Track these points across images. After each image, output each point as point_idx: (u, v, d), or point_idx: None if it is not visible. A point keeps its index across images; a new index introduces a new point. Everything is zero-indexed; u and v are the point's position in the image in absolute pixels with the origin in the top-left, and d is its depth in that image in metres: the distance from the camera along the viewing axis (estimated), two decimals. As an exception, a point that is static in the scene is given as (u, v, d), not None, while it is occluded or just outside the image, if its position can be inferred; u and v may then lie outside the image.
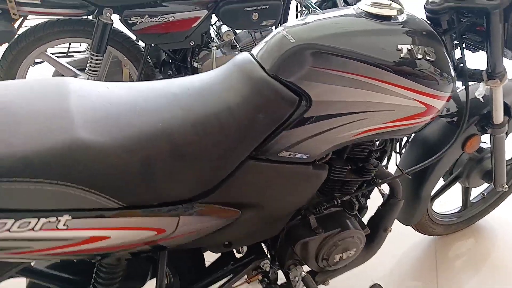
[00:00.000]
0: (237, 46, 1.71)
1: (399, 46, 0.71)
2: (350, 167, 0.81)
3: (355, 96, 0.69)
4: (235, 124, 0.65)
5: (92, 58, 1.50)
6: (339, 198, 0.84)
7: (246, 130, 0.66)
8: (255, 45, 1.74)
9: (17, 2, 1.28)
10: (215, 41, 1.69)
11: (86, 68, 1.53)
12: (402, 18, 0.75)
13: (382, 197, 0.94)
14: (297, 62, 0.68)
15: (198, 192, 0.65)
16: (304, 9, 1.78)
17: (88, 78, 1.55)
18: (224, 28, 1.68)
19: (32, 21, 1.48)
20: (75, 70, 1.61)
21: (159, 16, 1.48)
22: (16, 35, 1.43)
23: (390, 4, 0.75)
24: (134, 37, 1.60)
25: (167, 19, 1.50)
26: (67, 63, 1.63)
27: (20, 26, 1.47)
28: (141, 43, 1.62)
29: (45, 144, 0.53)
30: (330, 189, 0.83)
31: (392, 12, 0.74)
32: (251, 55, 0.73)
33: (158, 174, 0.60)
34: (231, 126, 0.65)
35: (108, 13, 1.42)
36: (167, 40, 1.56)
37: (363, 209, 0.92)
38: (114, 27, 1.48)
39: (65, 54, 1.68)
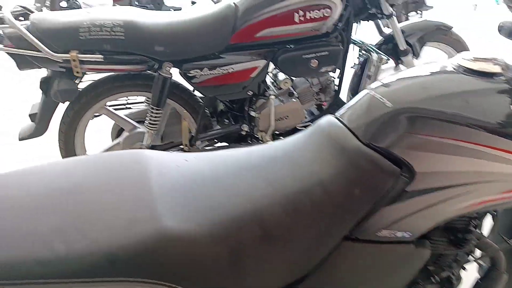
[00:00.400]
0: (294, 93, 1.67)
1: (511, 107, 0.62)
2: (449, 238, 0.71)
3: (464, 166, 0.60)
4: (329, 201, 0.58)
5: (152, 112, 1.51)
6: (436, 273, 0.73)
7: (341, 208, 0.59)
8: (312, 91, 1.75)
9: (80, 61, 1.31)
10: (271, 89, 1.66)
11: (146, 122, 1.54)
12: (508, 75, 0.67)
13: (481, 267, 0.82)
14: (397, 128, 0.61)
15: (290, 281, 0.57)
16: (364, 52, 1.72)
17: (147, 132, 1.56)
18: (281, 75, 1.65)
19: (91, 75, 1.52)
20: (133, 122, 1.63)
21: (218, 68, 1.48)
22: (77, 91, 1.47)
23: (494, 58, 0.67)
24: (191, 88, 1.61)
25: (226, 70, 1.49)
26: (126, 115, 1.65)
27: (80, 81, 1.52)
28: (197, 93, 1.62)
29: (131, 238, 0.48)
30: (426, 264, 0.72)
31: (497, 69, 0.66)
32: (338, 119, 0.67)
33: (248, 263, 0.54)
34: (324, 204, 0.58)
35: (167, 67, 1.43)
36: (226, 91, 1.55)
37: (458, 280, 0.81)
38: (173, 80, 1.49)
39: (123, 106, 1.71)
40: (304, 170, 0.63)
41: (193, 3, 3.64)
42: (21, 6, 1.38)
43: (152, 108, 1.51)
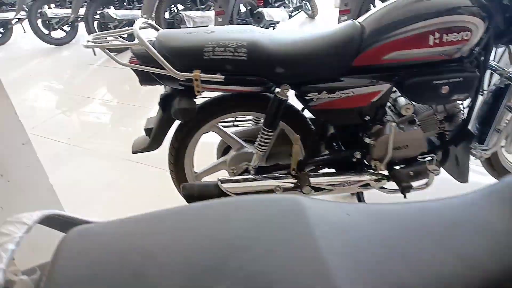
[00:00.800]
0: (416, 120, 1.52)
1: None
2: None
3: None
4: None
5: (263, 133, 1.47)
6: None
7: None
8: (436, 119, 1.58)
9: (202, 81, 1.31)
10: (389, 115, 1.53)
11: (256, 142, 1.51)
12: None
13: None
14: None
15: None
16: (504, 80, 1.52)
17: (256, 153, 1.53)
18: (403, 101, 1.51)
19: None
20: (242, 142, 1.61)
21: (338, 92, 1.40)
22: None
23: None
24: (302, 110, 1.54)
25: (346, 94, 1.40)
26: (233, 133, 1.63)
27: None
28: (307, 115, 1.55)
29: None
30: None
31: None
32: None
33: None
34: None
35: (285, 89, 1.38)
36: (342, 115, 1.46)
37: None
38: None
39: (230, 124, 1.70)
40: (501, 240, 0.51)
41: (290, 16, 3.66)
42: (147, 23, 1.43)
43: (264, 130, 1.47)
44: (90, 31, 4.45)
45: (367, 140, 1.52)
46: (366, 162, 1.58)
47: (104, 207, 2.10)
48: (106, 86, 4.01)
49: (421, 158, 1.55)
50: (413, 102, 1.49)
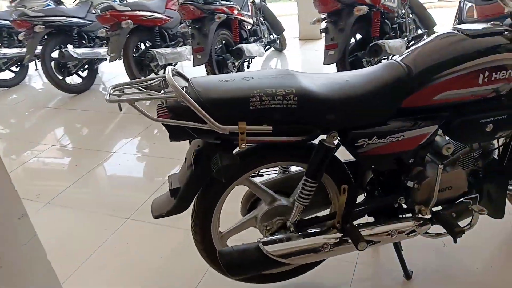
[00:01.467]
0: (456, 160, 1.47)
1: None
2: None
3: None
4: None
5: (305, 185, 1.34)
6: None
7: None
8: (473, 157, 1.55)
9: (248, 133, 1.16)
10: (430, 155, 1.47)
11: (297, 195, 1.37)
12: None
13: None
14: None
15: None
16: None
17: (297, 206, 1.38)
18: (442, 140, 1.46)
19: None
20: (274, 194, 1.46)
21: (389, 136, 1.31)
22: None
23: None
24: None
25: (396, 138, 1.32)
26: (261, 183, 1.48)
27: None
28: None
29: None
30: None
31: None
32: None
33: None
34: None
35: (333, 137, 1.26)
36: (390, 160, 1.37)
37: None
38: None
39: (255, 174, 1.54)
40: None
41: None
42: (175, 71, 1.26)
43: (307, 181, 1.33)
44: (47, 71, 4.12)
45: (410, 183, 1.44)
46: (409, 207, 1.50)
47: (99, 281, 1.82)
48: (66, 129, 3.70)
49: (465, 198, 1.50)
50: (454, 142, 1.45)
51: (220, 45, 3.81)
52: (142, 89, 1.28)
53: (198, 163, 1.28)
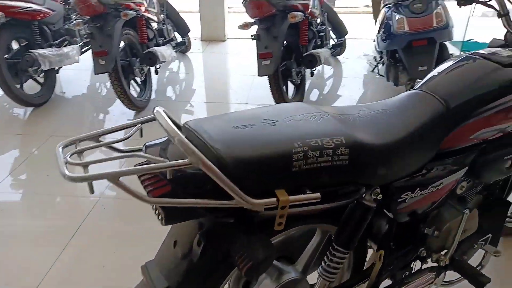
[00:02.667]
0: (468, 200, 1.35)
1: None
2: None
3: None
4: None
5: (334, 255, 1.05)
6: None
7: None
8: (476, 190, 1.44)
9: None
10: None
11: (320, 268, 1.07)
12: None
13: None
14: None
15: None
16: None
17: (321, 283, 1.08)
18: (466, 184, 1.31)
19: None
20: (278, 264, 1.13)
21: (430, 186, 1.10)
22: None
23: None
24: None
25: (436, 187, 1.12)
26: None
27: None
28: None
29: None
30: None
31: None
32: None
33: None
34: None
35: (376, 193, 0.99)
36: (424, 212, 1.16)
37: None
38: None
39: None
40: None
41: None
42: (166, 113, 0.83)
43: (337, 250, 1.04)
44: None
45: (429, 231, 1.25)
46: (428, 257, 1.32)
47: None
48: None
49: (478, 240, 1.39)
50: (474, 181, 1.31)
51: (123, 47, 3.21)
52: (114, 147, 0.82)
53: (206, 253, 0.87)
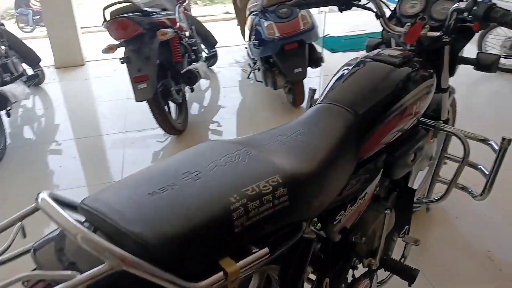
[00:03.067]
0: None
1: None
2: None
3: None
4: None
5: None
6: None
7: None
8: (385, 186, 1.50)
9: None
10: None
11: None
12: None
13: None
14: None
15: None
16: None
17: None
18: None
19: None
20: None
21: (358, 200, 1.08)
22: None
23: None
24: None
25: (362, 198, 1.12)
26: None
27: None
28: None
29: None
30: None
31: None
32: None
33: None
34: None
35: (315, 224, 0.94)
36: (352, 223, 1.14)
37: None
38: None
39: None
40: None
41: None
42: (53, 197, 0.62)
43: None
44: None
45: (356, 239, 1.26)
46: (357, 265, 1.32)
47: None
48: None
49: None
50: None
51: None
52: None
53: None
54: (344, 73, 1.25)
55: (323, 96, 1.19)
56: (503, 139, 1.30)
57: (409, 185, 1.56)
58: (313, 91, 1.58)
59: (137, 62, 2.49)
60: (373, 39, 1.67)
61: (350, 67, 1.26)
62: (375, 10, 1.44)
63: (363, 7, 1.45)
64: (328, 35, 5.24)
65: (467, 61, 1.47)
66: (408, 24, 1.38)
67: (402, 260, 1.47)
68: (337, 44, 4.98)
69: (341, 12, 1.46)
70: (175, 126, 2.88)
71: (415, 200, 1.63)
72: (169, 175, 0.75)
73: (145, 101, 2.61)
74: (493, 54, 1.42)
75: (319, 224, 0.95)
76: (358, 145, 1.08)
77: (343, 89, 1.18)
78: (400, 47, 1.41)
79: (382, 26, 1.47)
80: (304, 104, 3.40)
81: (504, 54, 3.73)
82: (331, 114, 1.10)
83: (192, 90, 3.09)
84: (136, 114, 3.42)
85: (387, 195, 1.41)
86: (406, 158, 1.30)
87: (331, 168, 0.95)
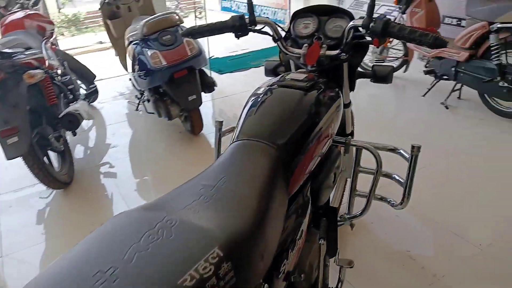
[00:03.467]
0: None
1: None
2: None
3: None
4: None
5: None
6: None
7: None
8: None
9: None
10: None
11: None
12: None
13: None
14: None
15: None
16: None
17: None
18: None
19: None
20: None
21: (297, 241, 0.99)
22: None
23: None
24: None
25: (300, 237, 1.03)
26: None
27: None
28: None
29: None
30: None
31: None
32: None
33: None
34: None
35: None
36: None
37: None
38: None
39: None
40: None
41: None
42: None
43: None
44: None
45: (295, 278, 1.18)
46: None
47: None
48: None
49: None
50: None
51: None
52: None
53: None
54: (254, 104, 1.17)
55: (238, 131, 1.09)
56: (413, 147, 1.35)
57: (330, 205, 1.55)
58: (220, 123, 1.48)
59: (3, 112, 2.11)
60: (269, 62, 1.64)
61: (259, 97, 1.19)
62: (271, 34, 1.40)
63: (260, 31, 1.40)
64: (212, 57, 5.23)
65: (364, 74, 1.52)
66: (306, 45, 1.37)
67: (339, 285, 1.43)
68: (223, 65, 4.99)
69: (238, 38, 1.39)
70: (59, 178, 2.51)
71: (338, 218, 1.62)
72: (74, 278, 0.57)
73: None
74: (387, 65, 1.48)
75: (265, 285, 0.83)
76: (287, 180, 1.00)
77: (258, 122, 1.09)
78: (303, 70, 1.39)
79: (280, 49, 1.43)
80: (204, 131, 3.29)
81: (375, 59, 4.10)
82: (253, 151, 1.01)
83: (74, 134, 2.75)
84: (8, 171, 2.93)
85: (315, 222, 1.36)
86: (328, 181, 1.27)
87: (268, 216, 0.85)
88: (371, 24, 1.18)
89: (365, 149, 1.47)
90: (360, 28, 1.27)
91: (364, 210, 1.58)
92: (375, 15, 1.23)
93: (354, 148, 1.55)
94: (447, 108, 3.47)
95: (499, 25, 2.88)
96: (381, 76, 1.48)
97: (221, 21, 1.39)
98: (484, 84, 3.09)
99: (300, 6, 1.60)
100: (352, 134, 1.80)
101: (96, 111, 3.97)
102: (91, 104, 3.94)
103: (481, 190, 2.42)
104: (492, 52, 2.96)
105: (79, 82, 3.60)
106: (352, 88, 1.57)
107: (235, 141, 1.06)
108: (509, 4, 2.84)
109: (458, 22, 3.88)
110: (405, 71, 4.04)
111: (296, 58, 1.42)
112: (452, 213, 2.22)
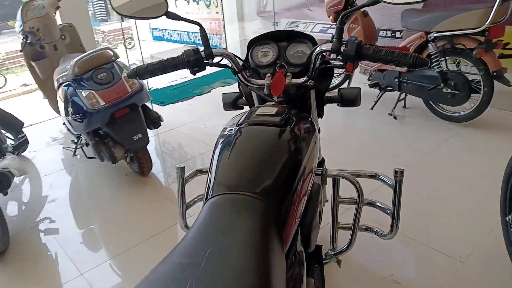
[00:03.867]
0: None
1: None
2: None
3: None
4: None
5: None
6: None
7: None
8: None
9: None
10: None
11: None
12: None
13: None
14: None
15: None
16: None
17: None
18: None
19: None
20: None
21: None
22: None
23: None
24: None
25: None
26: None
27: None
28: None
29: None
30: None
31: None
32: None
33: None
34: None
35: None
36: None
37: None
38: None
39: None
40: None
41: None
42: None
43: None
44: None
45: None
46: None
47: None
48: None
49: None
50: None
51: None
52: None
53: None
54: (225, 148, 1.03)
55: (213, 184, 0.94)
56: (396, 172, 1.27)
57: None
58: (182, 169, 1.31)
59: None
60: (227, 94, 1.51)
61: (230, 139, 1.05)
62: (230, 66, 1.28)
63: (218, 65, 1.27)
64: (151, 89, 5.01)
65: (332, 99, 1.43)
66: (269, 75, 1.26)
67: None
68: (164, 96, 4.78)
69: (194, 74, 1.26)
70: (-9, 248, 2.18)
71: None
72: None
73: None
74: (354, 88, 1.41)
75: None
76: (281, 236, 0.86)
77: (236, 170, 0.95)
78: (272, 103, 1.27)
79: (241, 81, 1.32)
80: (153, 170, 3.06)
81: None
82: (236, 208, 0.86)
83: (5, 194, 2.42)
84: None
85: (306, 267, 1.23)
86: (316, 221, 1.15)
87: (271, 285, 0.70)
88: (343, 48, 1.10)
89: (343, 178, 1.37)
90: (327, 53, 1.19)
91: (350, 244, 1.48)
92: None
93: (331, 179, 1.45)
94: (395, 118, 3.53)
95: (435, 34, 3.00)
96: (349, 99, 1.41)
97: (173, 57, 1.25)
98: (429, 92, 3.19)
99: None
100: (323, 162, 1.71)
101: (28, 162, 3.59)
102: (21, 154, 3.57)
103: (447, 197, 2.43)
104: (433, 60, 3.07)
105: (4, 132, 3.24)
106: (320, 114, 1.48)
107: (212, 197, 0.91)
108: (443, 14, 2.96)
109: (393, 34, 4.03)
110: (348, 86, 4.10)
111: (259, 89, 1.31)
112: (425, 228, 2.19)
